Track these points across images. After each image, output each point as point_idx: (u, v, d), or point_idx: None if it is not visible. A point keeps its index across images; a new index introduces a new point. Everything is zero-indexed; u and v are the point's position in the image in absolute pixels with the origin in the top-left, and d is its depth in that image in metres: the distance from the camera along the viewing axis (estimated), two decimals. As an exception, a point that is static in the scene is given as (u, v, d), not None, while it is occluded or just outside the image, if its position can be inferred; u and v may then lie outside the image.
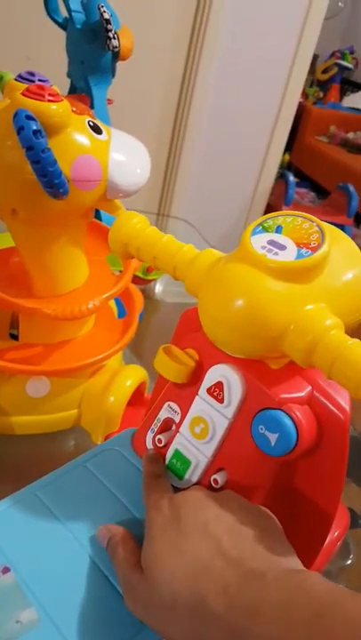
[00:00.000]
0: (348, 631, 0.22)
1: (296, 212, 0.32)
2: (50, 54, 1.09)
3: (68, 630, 0.27)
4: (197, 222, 1.25)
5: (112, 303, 0.67)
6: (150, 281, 0.94)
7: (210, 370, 0.33)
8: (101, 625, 0.28)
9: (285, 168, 2.56)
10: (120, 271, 0.60)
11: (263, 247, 0.30)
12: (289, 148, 2.43)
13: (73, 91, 0.80)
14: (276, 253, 0.29)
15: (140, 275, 0.90)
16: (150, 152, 0.53)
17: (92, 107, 0.76)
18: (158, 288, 1.03)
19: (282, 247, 0.30)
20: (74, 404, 0.56)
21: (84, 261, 0.55)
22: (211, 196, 1.92)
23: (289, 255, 0.29)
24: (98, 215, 0.71)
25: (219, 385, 0.33)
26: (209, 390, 0.33)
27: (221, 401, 0.32)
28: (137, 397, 0.59)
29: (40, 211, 0.45)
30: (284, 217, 0.32)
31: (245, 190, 1.99)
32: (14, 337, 0.57)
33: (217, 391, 0.33)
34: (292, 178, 2.08)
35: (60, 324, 0.54)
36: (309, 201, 2.42)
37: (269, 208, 2.06)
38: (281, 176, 2.12)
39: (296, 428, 0.29)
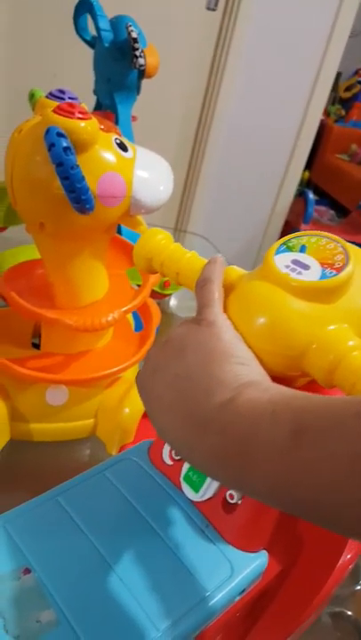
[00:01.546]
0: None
1: (320, 232, 0.33)
2: (75, 71, 1.12)
3: (84, 634, 0.28)
4: (214, 238, 1.26)
5: (129, 316, 0.68)
6: (167, 295, 0.95)
7: None
8: (117, 631, 0.29)
9: (305, 186, 2.56)
10: (139, 285, 0.61)
11: (287, 266, 0.31)
12: (309, 165, 2.43)
13: (98, 107, 0.82)
14: (300, 273, 0.30)
15: (157, 289, 0.91)
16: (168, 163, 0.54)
17: (116, 123, 0.77)
18: (173, 302, 1.03)
19: (306, 267, 0.30)
20: (90, 414, 0.57)
21: (105, 275, 0.56)
22: (228, 213, 1.93)
23: (313, 275, 0.30)
24: (118, 230, 0.73)
25: None
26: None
27: None
28: (152, 410, 0.59)
29: (66, 225, 0.47)
30: (309, 237, 0.33)
31: (264, 207, 2.00)
32: (36, 346, 0.58)
33: None
34: (311, 196, 2.08)
35: (80, 334, 0.55)
36: (329, 219, 2.42)
37: (288, 226, 2.06)
38: (300, 194, 2.12)
39: None
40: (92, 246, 0.52)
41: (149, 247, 0.37)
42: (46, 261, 0.52)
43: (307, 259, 0.31)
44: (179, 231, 1.78)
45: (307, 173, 2.78)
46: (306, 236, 0.33)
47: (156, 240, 0.37)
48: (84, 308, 0.54)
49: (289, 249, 0.32)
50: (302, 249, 0.32)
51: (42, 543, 0.33)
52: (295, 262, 0.31)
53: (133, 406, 0.55)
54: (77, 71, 1.10)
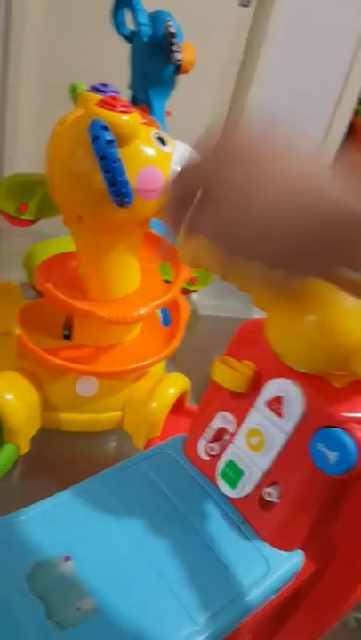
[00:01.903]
0: None
1: None
2: (109, 66, 1.12)
3: (122, 623, 0.28)
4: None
5: (157, 311, 0.68)
6: (193, 291, 0.95)
7: (269, 383, 0.34)
8: (155, 622, 0.29)
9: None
10: (167, 280, 0.61)
11: None
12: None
13: (133, 102, 0.82)
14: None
15: (184, 285, 0.91)
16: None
17: (151, 118, 0.78)
18: (195, 298, 1.03)
19: None
20: (118, 406, 0.57)
21: (137, 269, 0.56)
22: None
23: None
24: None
25: (278, 399, 0.33)
26: (267, 403, 0.34)
27: (280, 415, 0.33)
28: (178, 405, 0.60)
29: (104, 218, 0.47)
30: None
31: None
32: (66, 337, 0.58)
33: (276, 405, 0.33)
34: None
35: (111, 327, 0.55)
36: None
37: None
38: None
39: (357, 447, 0.29)
40: (128, 240, 0.52)
41: (196, 242, 0.37)
42: (82, 254, 0.53)
43: None
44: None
45: (333, 173, 2.75)
46: None
47: None
48: (116, 301, 0.54)
49: None
50: None
51: (81, 531, 0.33)
52: None
53: (161, 401, 0.55)
54: (110, 65, 1.10)
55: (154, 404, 0.56)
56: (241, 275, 0.27)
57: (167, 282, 0.61)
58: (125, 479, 0.37)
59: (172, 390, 0.57)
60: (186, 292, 0.93)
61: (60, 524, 0.33)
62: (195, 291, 0.95)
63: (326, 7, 1.61)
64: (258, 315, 0.35)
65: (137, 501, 0.35)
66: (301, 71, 1.69)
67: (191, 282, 0.92)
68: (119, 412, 0.58)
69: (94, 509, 0.34)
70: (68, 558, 0.31)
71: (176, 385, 0.58)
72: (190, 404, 0.63)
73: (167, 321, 0.68)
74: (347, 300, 0.29)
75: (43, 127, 0.49)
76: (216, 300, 1.03)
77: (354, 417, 0.31)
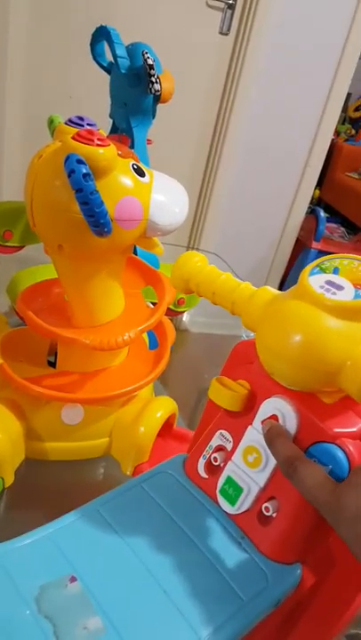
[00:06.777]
0: None
1: (351, 255, 0.34)
2: (91, 93, 1.15)
3: None
4: (226, 256, 1.27)
5: (144, 334, 0.68)
6: (181, 312, 0.96)
7: (265, 402, 0.35)
8: (160, 638, 0.30)
9: (315, 203, 2.58)
10: (153, 302, 0.62)
11: (321, 287, 0.32)
12: (319, 183, 2.45)
13: (114, 131, 0.84)
14: (335, 293, 0.31)
15: (172, 307, 0.92)
16: (183, 186, 0.55)
17: (132, 147, 0.79)
18: (186, 318, 1.05)
19: (339, 287, 0.32)
20: (105, 433, 0.57)
21: (121, 294, 0.57)
22: (240, 231, 1.95)
23: (347, 295, 0.31)
24: (134, 250, 0.74)
25: (273, 417, 0.34)
26: (263, 422, 0.35)
27: None
28: (166, 429, 0.60)
29: (85, 247, 0.48)
30: (341, 259, 0.34)
31: (276, 225, 2.01)
32: (51, 364, 0.59)
33: None
34: (322, 214, 2.08)
35: (96, 353, 0.56)
36: (339, 236, 2.42)
37: (299, 243, 2.08)
38: (311, 211, 2.13)
39: (349, 461, 0.31)
40: (109, 267, 0.53)
41: (186, 269, 0.39)
42: (64, 282, 0.53)
43: (340, 280, 0.32)
44: (191, 249, 1.79)
45: (317, 191, 2.80)
46: (338, 259, 0.34)
47: (193, 262, 0.39)
48: (100, 327, 0.55)
49: (322, 270, 0.33)
50: (335, 271, 0.33)
51: (86, 552, 0.34)
52: (329, 283, 0.32)
53: (148, 425, 0.56)
54: (93, 93, 1.12)
55: (141, 429, 0.56)
56: None
57: (153, 304, 0.62)
58: (127, 500, 0.38)
59: (159, 414, 0.57)
60: (174, 313, 0.94)
61: (64, 547, 0.34)
62: (182, 312, 0.96)
63: (306, 32, 1.65)
64: (248, 332, 0.36)
65: (139, 521, 0.36)
66: (283, 93, 1.73)
67: (178, 303, 0.93)
68: (106, 439, 0.58)
69: (98, 531, 0.35)
70: (73, 579, 0.32)
71: (163, 408, 0.58)
72: (179, 427, 0.63)
73: (154, 344, 0.69)
74: (329, 321, 0.30)
75: (26, 156, 0.51)
76: (206, 318, 1.04)
77: (345, 432, 0.32)
